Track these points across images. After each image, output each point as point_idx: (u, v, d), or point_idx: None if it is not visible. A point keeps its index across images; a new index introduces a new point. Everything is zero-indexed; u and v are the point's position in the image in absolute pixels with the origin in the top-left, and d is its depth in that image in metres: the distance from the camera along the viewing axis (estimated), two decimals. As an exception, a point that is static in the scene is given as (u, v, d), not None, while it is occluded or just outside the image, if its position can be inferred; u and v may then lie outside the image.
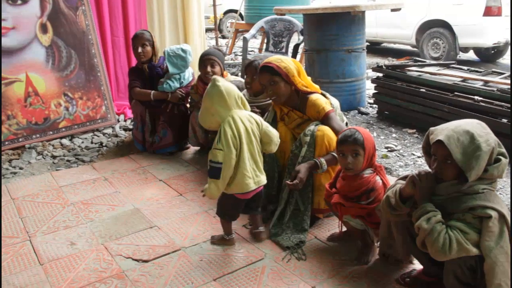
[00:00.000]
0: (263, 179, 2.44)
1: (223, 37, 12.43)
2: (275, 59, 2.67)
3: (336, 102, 2.80)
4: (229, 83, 2.39)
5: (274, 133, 2.46)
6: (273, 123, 2.80)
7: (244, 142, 2.33)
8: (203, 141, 3.82)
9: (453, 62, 5.14)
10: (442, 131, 1.80)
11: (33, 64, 4.19)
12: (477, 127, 1.78)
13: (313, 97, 2.67)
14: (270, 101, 3.08)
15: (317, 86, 2.76)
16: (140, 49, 3.83)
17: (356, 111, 5.12)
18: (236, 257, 2.42)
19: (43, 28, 4.24)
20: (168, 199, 3.12)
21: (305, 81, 2.71)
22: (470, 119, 1.87)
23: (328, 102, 2.69)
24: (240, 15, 9.77)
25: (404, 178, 1.98)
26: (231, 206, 2.49)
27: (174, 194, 3.20)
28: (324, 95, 2.76)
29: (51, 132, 4.25)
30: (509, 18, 7.52)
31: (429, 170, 1.88)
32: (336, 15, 4.91)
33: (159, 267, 2.35)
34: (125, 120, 4.81)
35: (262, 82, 2.70)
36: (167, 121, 3.83)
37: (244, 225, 2.72)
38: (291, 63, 2.66)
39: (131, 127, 4.55)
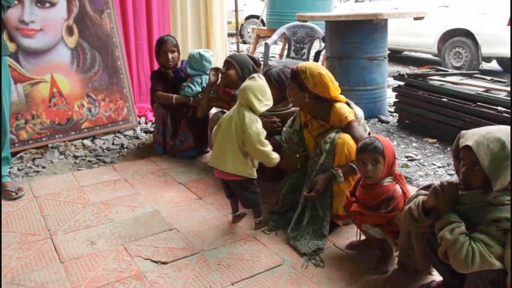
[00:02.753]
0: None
1: (244, 42, 12.49)
2: (304, 65, 2.68)
3: (360, 112, 2.80)
4: (258, 85, 2.57)
5: (253, 138, 2.57)
6: (301, 130, 2.82)
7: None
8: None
9: (476, 72, 5.10)
10: (473, 136, 1.77)
11: (59, 65, 4.26)
12: (509, 136, 1.74)
13: (338, 105, 2.67)
14: (290, 109, 3.11)
15: (342, 96, 2.76)
16: (170, 55, 3.88)
17: (376, 119, 5.09)
18: (255, 262, 2.43)
19: (69, 31, 4.32)
20: (187, 202, 3.14)
21: (330, 91, 2.70)
22: (504, 126, 1.83)
23: (352, 112, 2.69)
24: (262, 21, 9.80)
25: (425, 188, 1.97)
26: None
27: (193, 197, 3.22)
28: (348, 104, 2.76)
29: (73, 133, 4.32)
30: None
31: (452, 180, 1.86)
32: (358, 22, 4.90)
33: (178, 270, 2.37)
34: (146, 123, 4.86)
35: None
36: (188, 125, 3.87)
37: (262, 230, 2.73)
38: (317, 75, 2.65)
39: (151, 129, 4.60)
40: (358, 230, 2.45)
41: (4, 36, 3.70)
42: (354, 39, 4.99)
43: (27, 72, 4.10)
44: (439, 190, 1.81)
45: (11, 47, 3.93)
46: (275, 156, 2.64)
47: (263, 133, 2.59)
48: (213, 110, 3.98)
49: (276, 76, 3.11)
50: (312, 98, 2.70)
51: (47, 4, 4.21)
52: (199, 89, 3.83)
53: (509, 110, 3.73)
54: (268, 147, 2.60)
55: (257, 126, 2.57)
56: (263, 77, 2.60)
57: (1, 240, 2.20)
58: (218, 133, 2.68)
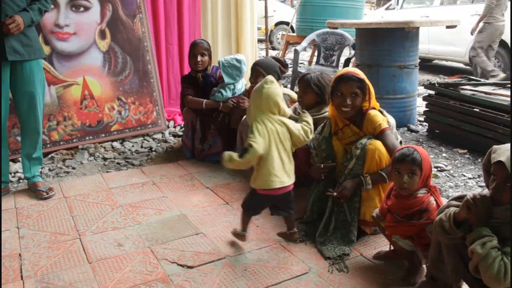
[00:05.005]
0: (286, 181, 2.48)
1: (273, 48, 12.50)
2: (361, 72, 2.68)
3: (392, 121, 2.77)
4: (276, 89, 2.47)
5: (302, 135, 2.54)
6: (330, 137, 2.81)
7: (272, 141, 2.43)
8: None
9: (509, 82, 4.99)
10: (506, 151, 1.73)
11: (91, 68, 4.34)
12: None
13: (372, 112, 2.65)
14: (322, 114, 3.09)
15: (377, 104, 2.74)
16: (199, 58, 3.91)
17: (406, 128, 5.03)
18: (281, 269, 2.41)
19: (102, 34, 4.39)
20: (214, 207, 3.15)
21: (373, 98, 2.70)
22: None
23: (385, 120, 2.66)
24: (291, 27, 9.80)
25: (457, 198, 1.93)
26: (256, 201, 2.56)
27: (220, 202, 3.23)
28: (381, 112, 2.74)
29: (103, 135, 4.38)
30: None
31: (485, 193, 1.82)
32: (389, 30, 4.86)
33: (204, 274, 2.37)
34: (174, 127, 4.90)
35: (343, 89, 2.65)
36: (217, 130, 3.88)
37: (294, 240, 2.71)
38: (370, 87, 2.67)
39: (180, 133, 4.64)
40: (389, 242, 2.42)
41: (40, 39, 3.78)
42: (384, 47, 4.94)
43: (60, 75, 4.19)
44: (471, 203, 1.77)
45: (46, 50, 4.02)
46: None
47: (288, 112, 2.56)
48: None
49: (316, 80, 3.11)
50: None
51: (81, 8, 4.30)
52: (229, 94, 3.86)
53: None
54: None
55: (292, 122, 2.54)
56: (270, 81, 2.48)
57: (1, 240, 2.24)
58: (270, 150, 2.44)
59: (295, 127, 2.53)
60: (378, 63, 5.00)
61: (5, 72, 3.05)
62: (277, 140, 2.45)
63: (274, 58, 3.77)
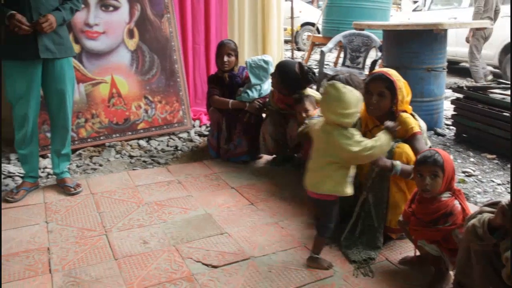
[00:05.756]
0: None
1: (299, 49, 12.48)
2: (396, 74, 2.65)
3: (424, 125, 2.74)
4: (333, 98, 2.34)
5: (357, 158, 2.37)
6: None
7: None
8: (273, 150, 3.88)
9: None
10: None
11: (119, 67, 4.40)
12: None
13: (404, 115, 2.62)
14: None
15: (410, 107, 2.72)
16: (226, 58, 3.93)
17: (432, 132, 4.97)
18: (305, 272, 2.41)
19: (130, 33, 4.45)
20: (239, 207, 3.16)
21: (406, 101, 2.67)
22: None
23: (417, 124, 2.63)
24: (317, 28, 9.77)
25: (490, 205, 1.89)
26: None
27: (245, 202, 3.24)
28: (413, 115, 2.71)
29: (130, 133, 4.43)
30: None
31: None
32: (417, 32, 4.80)
33: (228, 274, 2.38)
34: (200, 126, 4.93)
35: (370, 88, 2.63)
36: (243, 130, 3.90)
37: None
38: (404, 87, 2.63)
39: (205, 133, 4.66)
40: (415, 246, 2.39)
41: (70, 38, 3.84)
42: (412, 49, 4.88)
43: (89, 73, 4.26)
44: (507, 211, 1.74)
45: (76, 48, 4.08)
46: (378, 145, 2.34)
47: (360, 142, 2.29)
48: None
49: (345, 82, 3.06)
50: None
51: (111, 8, 4.36)
52: (255, 95, 3.87)
53: None
54: (369, 146, 2.30)
55: (352, 144, 2.28)
56: (337, 85, 2.34)
57: (0, 240, 2.26)
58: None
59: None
60: (405, 66, 4.94)
61: (37, 70, 3.11)
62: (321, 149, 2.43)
63: (300, 66, 3.70)
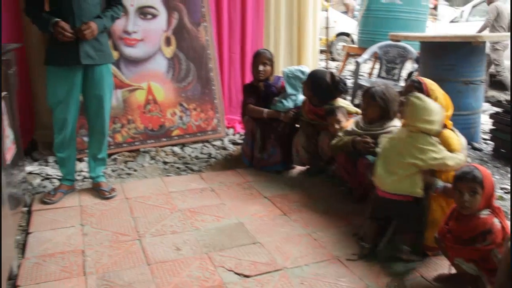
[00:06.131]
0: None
1: (333, 59, 12.42)
2: (431, 82, 2.68)
3: (464, 141, 2.69)
4: (420, 107, 2.48)
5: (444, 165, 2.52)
6: None
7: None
8: (306, 162, 3.86)
9: None
10: None
11: (155, 74, 4.46)
12: None
13: (446, 133, 2.58)
14: (385, 129, 3.03)
15: (450, 122, 2.68)
16: (261, 67, 3.94)
17: (469, 146, 4.86)
18: (338, 285, 2.38)
19: (167, 41, 4.51)
20: (271, 217, 3.14)
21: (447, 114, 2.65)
22: None
23: (459, 142, 2.59)
24: (351, 39, 9.71)
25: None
26: None
27: (278, 212, 3.22)
28: (453, 130, 2.66)
29: (164, 139, 4.48)
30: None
31: None
32: (455, 44, 4.71)
33: (260, 285, 2.37)
34: (234, 134, 4.95)
35: (404, 91, 2.69)
36: (277, 140, 3.88)
37: (347, 258, 2.64)
38: (442, 95, 2.61)
39: (239, 141, 4.67)
40: (450, 263, 2.33)
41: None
42: (449, 61, 4.80)
43: (126, 79, 4.33)
44: None
45: (114, 55, 4.15)
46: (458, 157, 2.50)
47: (442, 151, 2.46)
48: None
49: (381, 94, 3.05)
50: None
51: (149, 16, 4.43)
52: (291, 105, 3.86)
53: None
54: (448, 156, 2.47)
55: (434, 151, 2.45)
56: (420, 96, 2.49)
57: (0, 241, 2.27)
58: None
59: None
60: (442, 78, 4.83)
61: (77, 76, 3.18)
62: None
63: (331, 76, 3.69)
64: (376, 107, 3.03)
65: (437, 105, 2.48)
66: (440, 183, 2.46)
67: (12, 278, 2.41)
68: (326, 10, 8.55)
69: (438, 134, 2.49)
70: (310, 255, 2.66)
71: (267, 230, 2.94)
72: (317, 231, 2.95)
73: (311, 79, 3.66)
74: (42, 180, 3.76)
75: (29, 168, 3.86)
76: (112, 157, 4.17)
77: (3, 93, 2.84)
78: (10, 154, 2.83)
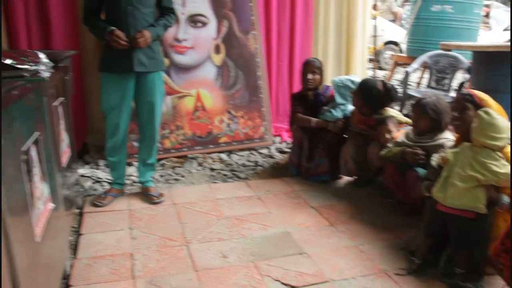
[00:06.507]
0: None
1: (380, 68, 12.26)
2: (482, 94, 2.59)
3: None
4: (485, 123, 2.41)
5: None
6: None
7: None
8: (354, 172, 3.81)
9: None
10: None
11: (204, 81, 4.52)
12: None
13: (507, 148, 2.50)
14: (436, 142, 2.96)
15: None
16: (310, 76, 3.93)
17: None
18: (387, 300, 2.34)
19: (217, 49, 4.56)
20: (318, 227, 3.12)
21: None
22: None
23: None
24: (399, 47, 9.55)
25: None
26: None
27: (325, 223, 3.18)
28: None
29: (211, 146, 4.52)
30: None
31: None
32: (509, 53, 4.56)
33: (307, 296, 2.35)
34: (280, 142, 4.94)
35: (455, 105, 2.61)
36: (325, 150, 3.85)
37: (396, 273, 2.58)
38: (496, 107, 2.53)
39: (286, 149, 4.66)
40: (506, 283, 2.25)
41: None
42: (504, 71, 4.63)
43: (176, 86, 4.40)
44: None
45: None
46: None
47: (506, 166, 2.37)
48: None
49: (432, 105, 2.99)
50: None
51: (199, 24, 4.50)
52: (339, 115, 3.83)
53: None
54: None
55: (498, 166, 2.37)
56: (489, 111, 2.42)
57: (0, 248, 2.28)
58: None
59: None
60: (496, 89, 4.68)
61: (130, 82, 3.26)
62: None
63: (383, 84, 3.66)
64: (427, 119, 2.97)
65: (506, 122, 2.40)
66: (506, 199, 2.36)
67: (66, 277, 2.49)
68: (375, 19, 8.43)
69: (501, 150, 2.40)
70: (358, 267, 2.61)
71: (314, 241, 2.92)
72: (365, 243, 2.90)
73: (362, 87, 3.62)
74: (93, 183, 3.86)
75: (81, 171, 3.97)
76: (160, 162, 4.24)
77: (61, 99, 2.94)
78: (65, 158, 2.92)
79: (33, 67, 2.64)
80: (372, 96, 3.57)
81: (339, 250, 2.81)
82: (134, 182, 3.85)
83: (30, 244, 1.78)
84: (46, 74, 2.47)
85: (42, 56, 2.88)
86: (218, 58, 4.58)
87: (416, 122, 3.08)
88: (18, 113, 1.75)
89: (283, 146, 4.83)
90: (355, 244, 2.88)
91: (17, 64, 2.62)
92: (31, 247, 1.79)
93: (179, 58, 4.43)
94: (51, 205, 2.21)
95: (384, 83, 3.64)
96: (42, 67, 2.74)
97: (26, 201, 1.76)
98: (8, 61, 2.61)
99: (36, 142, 2.01)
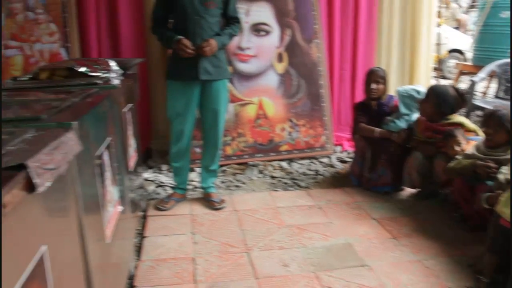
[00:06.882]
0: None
1: (443, 77, 11.91)
2: None
3: None
4: None
5: None
6: None
7: None
8: (418, 185, 3.71)
9: None
10: None
11: (267, 89, 4.55)
12: None
13: None
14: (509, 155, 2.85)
15: None
16: (374, 86, 3.88)
17: None
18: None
19: (279, 57, 4.59)
20: (381, 240, 3.05)
21: None
22: None
23: None
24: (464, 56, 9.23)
25: None
26: None
27: (387, 235, 3.12)
28: None
29: (272, 154, 4.54)
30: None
31: None
32: None
33: (369, 309, 2.31)
34: (341, 152, 4.89)
35: None
36: (388, 160, 3.78)
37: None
38: None
39: (347, 159, 4.61)
40: None
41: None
42: None
43: (238, 94, 4.46)
44: None
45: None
46: None
47: None
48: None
49: (508, 118, 2.88)
50: None
51: (263, 33, 4.54)
52: (403, 125, 3.74)
53: None
54: None
55: None
56: None
57: (0, 248, 2.33)
58: None
59: None
60: None
61: (195, 90, 3.33)
62: None
63: (455, 89, 3.59)
64: (504, 132, 2.85)
65: None
66: None
67: (130, 278, 2.57)
68: (439, 26, 8.21)
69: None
70: (422, 283, 2.54)
71: (376, 253, 2.86)
72: (429, 258, 2.81)
73: (434, 93, 3.53)
74: (156, 187, 3.96)
75: (145, 175, 4.09)
76: (222, 168, 4.29)
77: (129, 105, 3.05)
78: (132, 162, 3.03)
79: (105, 75, 2.76)
80: (445, 101, 3.48)
81: (402, 264, 2.74)
82: (196, 187, 3.92)
83: (101, 244, 1.85)
84: (116, 81, 2.58)
85: (112, 64, 3.01)
86: (280, 67, 4.60)
87: (491, 136, 2.96)
88: (93, 119, 1.83)
89: (344, 155, 4.78)
90: (418, 259, 2.80)
91: (90, 72, 2.75)
92: (102, 247, 1.86)
93: (242, 66, 4.49)
94: (120, 208, 2.29)
95: (454, 88, 3.57)
96: (113, 75, 2.87)
97: (98, 203, 1.83)
98: (82, 69, 2.75)
99: (108, 147, 2.09)
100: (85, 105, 1.85)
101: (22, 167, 0.97)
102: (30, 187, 0.98)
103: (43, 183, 1.01)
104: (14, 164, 0.97)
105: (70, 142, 1.27)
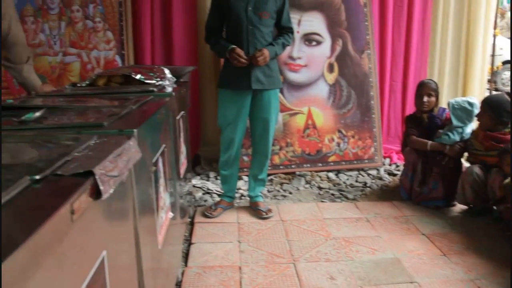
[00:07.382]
0: None
1: (496, 89, 11.54)
2: None
3: None
4: None
5: None
6: None
7: None
8: (471, 201, 3.59)
9: None
10: None
11: (316, 99, 4.54)
12: None
13: None
14: None
15: None
16: (425, 98, 3.81)
17: None
18: None
19: (330, 68, 4.57)
20: (430, 256, 2.98)
21: None
22: None
23: None
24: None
25: None
26: None
27: (437, 252, 3.04)
28: None
29: (320, 164, 4.52)
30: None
31: None
32: None
33: (418, 328, 2.26)
34: (390, 164, 4.82)
35: None
36: (440, 174, 3.69)
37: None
38: None
39: (395, 172, 4.54)
40: None
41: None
42: None
43: (288, 103, 4.47)
44: None
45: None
46: None
47: None
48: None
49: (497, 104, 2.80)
50: None
51: (314, 43, 4.54)
52: (457, 138, 3.65)
53: None
54: None
55: None
56: None
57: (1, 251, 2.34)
58: None
59: None
60: None
61: (247, 99, 3.37)
62: None
63: (508, 95, 3.48)
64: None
65: None
66: None
67: (178, 283, 2.60)
68: (495, 37, 7.96)
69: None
70: (474, 303, 2.47)
71: (425, 270, 2.80)
72: (481, 278, 2.72)
73: (490, 104, 3.44)
74: (204, 194, 4.02)
75: (193, 181, 4.15)
76: (269, 178, 4.30)
77: (182, 112, 3.11)
78: (183, 169, 3.08)
79: (159, 82, 2.83)
80: (503, 110, 3.38)
81: (452, 282, 2.66)
82: (243, 195, 3.95)
83: (154, 250, 1.89)
84: (170, 89, 2.64)
85: (167, 71, 3.08)
86: (331, 77, 4.59)
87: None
88: (151, 126, 1.88)
89: (393, 168, 4.71)
90: (470, 278, 2.72)
91: (145, 79, 2.82)
92: (154, 252, 1.90)
93: (293, 76, 4.50)
94: (171, 214, 2.34)
95: (508, 94, 3.46)
96: (167, 82, 2.94)
97: (153, 210, 1.88)
98: (138, 76, 2.83)
99: (162, 154, 2.14)
100: (143, 112, 1.91)
101: (88, 173, 1.01)
102: (95, 193, 1.02)
103: (108, 190, 1.05)
104: (82, 171, 1.01)
105: (131, 150, 1.32)
